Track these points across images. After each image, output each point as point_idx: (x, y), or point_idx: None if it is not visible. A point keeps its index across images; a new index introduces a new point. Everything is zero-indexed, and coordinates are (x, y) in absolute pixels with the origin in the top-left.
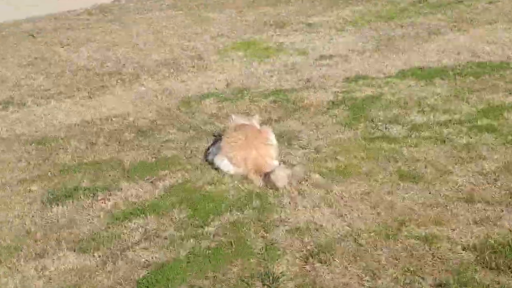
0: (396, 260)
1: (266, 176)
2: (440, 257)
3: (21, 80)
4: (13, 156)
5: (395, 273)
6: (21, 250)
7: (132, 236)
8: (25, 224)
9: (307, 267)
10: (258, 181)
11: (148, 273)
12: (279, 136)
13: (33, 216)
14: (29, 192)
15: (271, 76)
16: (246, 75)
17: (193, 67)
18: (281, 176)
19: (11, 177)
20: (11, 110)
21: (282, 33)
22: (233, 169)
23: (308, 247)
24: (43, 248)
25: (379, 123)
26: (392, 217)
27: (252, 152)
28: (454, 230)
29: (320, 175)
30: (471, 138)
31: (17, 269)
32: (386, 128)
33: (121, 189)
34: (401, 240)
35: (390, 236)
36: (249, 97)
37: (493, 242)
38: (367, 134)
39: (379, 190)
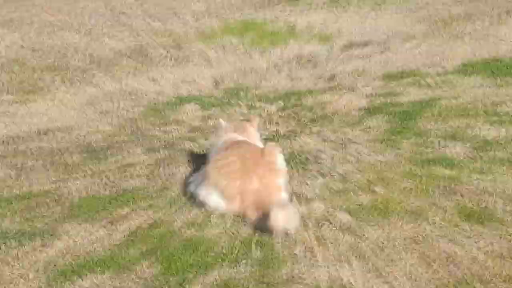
0: None
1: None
2: None
3: None
4: None
5: None
6: None
7: None
8: None
9: None
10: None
11: None
12: (290, 158)
13: None
14: None
15: (279, 72)
16: (243, 71)
17: (168, 58)
18: (281, 217)
19: None
20: None
21: (295, 9)
22: (224, 205)
23: None
24: None
25: (433, 139)
26: (451, 273)
27: (253, 182)
28: None
29: (349, 214)
30: None
31: None
32: (442, 147)
33: (67, 232)
34: None
35: None
36: (247, 102)
37: None
38: (416, 156)
39: (433, 236)
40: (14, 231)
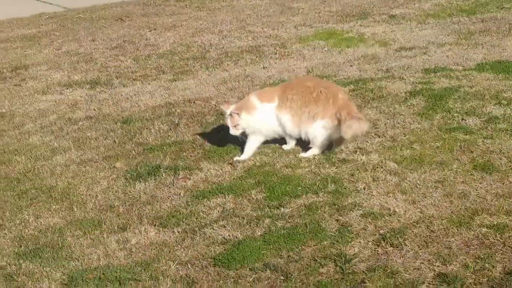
0: (467, 247)
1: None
2: (511, 246)
3: (109, 61)
4: (99, 134)
5: (465, 259)
6: (104, 224)
7: (210, 214)
8: (109, 199)
9: (379, 250)
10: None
11: (224, 250)
12: None
13: (116, 192)
14: (114, 168)
15: (351, 66)
16: (327, 64)
17: (275, 54)
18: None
19: (97, 153)
20: (98, 90)
21: (364, 24)
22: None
23: (381, 231)
24: (125, 222)
25: (456, 114)
26: (464, 206)
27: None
28: None
29: (395, 162)
30: None
31: (100, 241)
32: (462, 120)
33: (202, 169)
34: (473, 229)
35: (462, 224)
36: None
37: None
38: (443, 125)
39: (453, 179)
40: (166, 166)
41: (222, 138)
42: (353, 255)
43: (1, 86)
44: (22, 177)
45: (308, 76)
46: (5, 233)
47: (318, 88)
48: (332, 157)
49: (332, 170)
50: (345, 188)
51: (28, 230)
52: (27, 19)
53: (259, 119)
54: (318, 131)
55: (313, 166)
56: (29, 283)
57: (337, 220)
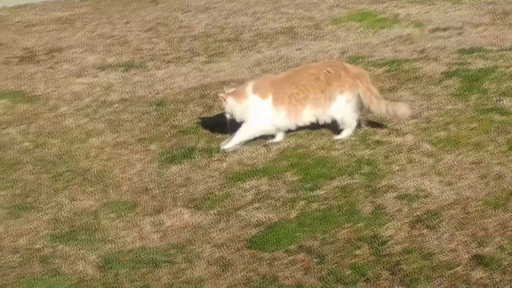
0: (503, 229)
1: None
2: None
3: (142, 44)
4: (134, 116)
5: (501, 241)
6: (139, 206)
7: (245, 196)
8: (144, 181)
9: (415, 232)
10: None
11: (259, 231)
12: None
13: (151, 174)
14: (148, 151)
15: (386, 47)
16: (361, 45)
17: (309, 35)
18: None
19: (132, 135)
20: (132, 72)
21: (398, 4)
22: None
23: (416, 213)
24: (159, 204)
25: (492, 95)
26: (500, 187)
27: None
28: None
29: (431, 144)
30: None
31: (135, 224)
32: (498, 100)
33: (236, 151)
34: (509, 210)
35: (498, 206)
36: (363, 66)
37: None
38: (479, 106)
39: (489, 161)
40: (201, 148)
41: None
42: (388, 237)
43: (36, 69)
44: (57, 160)
45: (308, 64)
46: (40, 215)
47: (323, 70)
48: (367, 139)
49: (367, 152)
50: (380, 170)
51: (63, 213)
52: (61, 2)
53: (247, 109)
54: (342, 107)
55: (347, 148)
56: (65, 266)
57: (372, 202)
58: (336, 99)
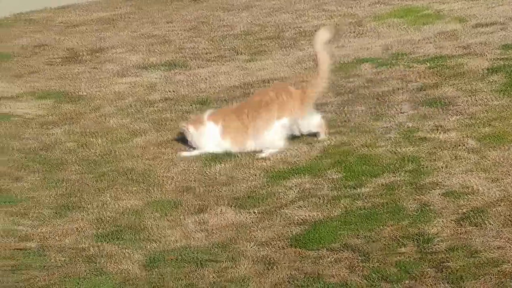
0: None
1: None
2: None
3: (184, 43)
4: (177, 115)
5: None
6: (183, 205)
7: (288, 195)
8: (187, 180)
9: (460, 230)
10: None
11: (302, 230)
12: (434, 101)
13: (194, 173)
14: (192, 150)
15: (428, 43)
16: (403, 41)
17: (352, 32)
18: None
19: (175, 134)
20: (174, 71)
21: (441, 0)
22: None
23: (462, 210)
24: (203, 203)
25: None
26: None
27: None
28: None
29: (475, 140)
30: None
31: (179, 223)
32: None
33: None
34: None
35: None
36: (406, 62)
37: None
38: None
39: None
40: None
41: None
42: (433, 234)
43: (79, 69)
44: (101, 160)
45: (262, 90)
46: (85, 215)
47: (265, 96)
48: (411, 136)
49: (410, 149)
50: (424, 167)
51: (108, 212)
52: (104, 2)
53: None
54: (277, 132)
55: (391, 145)
56: (110, 265)
57: (417, 200)
58: (273, 126)
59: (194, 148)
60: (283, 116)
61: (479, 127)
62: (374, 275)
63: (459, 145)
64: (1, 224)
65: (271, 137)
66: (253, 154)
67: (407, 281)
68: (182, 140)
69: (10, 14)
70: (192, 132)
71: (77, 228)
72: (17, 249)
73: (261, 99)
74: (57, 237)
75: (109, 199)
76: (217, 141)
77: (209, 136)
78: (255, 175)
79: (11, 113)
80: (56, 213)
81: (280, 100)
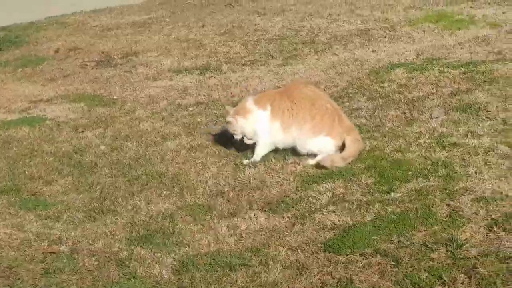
0: None
1: None
2: None
3: (218, 47)
4: (209, 119)
5: None
6: (215, 209)
7: (320, 199)
8: (219, 185)
9: (491, 235)
10: None
11: (334, 235)
12: (467, 107)
13: (226, 177)
14: (223, 154)
15: (462, 48)
16: (437, 47)
17: (385, 37)
18: None
19: (207, 139)
20: (208, 75)
21: (475, 5)
22: None
23: (493, 216)
24: (235, 208)
25: None
26: None
27: None
28: None
29: (508, 146)
30: None
31: (211, 227)
32: None
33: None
34: None
35: None
36: (439, 68)
37: None
38: None
39: None
40: (279, 151)
41: None
42: (464, 240)
43: (113, 72)
44: (133, 163)
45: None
46: (117, 218)
47: (321, 102)
48: (443, 141)
49: (443, 154)
50: (456, 173)
51: (140, 216)
52: (138, 5)
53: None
54: (322, 145)
55: (423, 151)
56: (141, 269)
57: (448, 205)
58: (320, 136)
59: (240, 142)
60: (329, 136)
61: (511, 133)
62: (405, 280)
63: (491, 151)
64: (34, 227)
65: (317, 146)
66: (285, 159)
67: (438, 287)
68: (215, 142)
69: (44, 17)
70: (241, 122)
71: (109, 232)
72: (49, 252)
73: (313, 103)
74: (89, 241)
75: (141, 203)
76: (267, 126)
77: (260, 122)
78: (287, 180)
79: (44, 116)
80: (88, 216)
81: (332, 118)
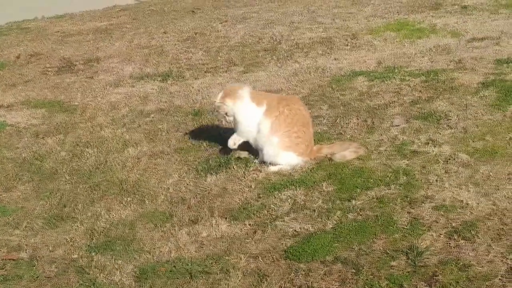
0: None
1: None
2: None
3: (180, 54)
4: (170, 126)
5: None
6: (176, 216)
7: (281, 207)
8: (180, 192)
9: (451, 243)
10: None
11: (295, 242)
12: (428, 115)
13: (188, 184)
14: (185, 161)
15: (423, 57)
16: (398, 55)
17: (347, 45)
18: None
19: (169, 146)
20: (170, 82)
21: (436, 14)
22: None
23: (453, 224)
24: (196, 215)
25: None
26: None
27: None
28: None
29: (467, 154)
30: None
31: (172, 234)
32: None
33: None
34: None
35: None
36: (400, 76)
37: None
38: None
39: None
40: (240, 158)
41: None
42: (424, 248)
43: (74, 79)
44: (94, 170)
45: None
46: (77, 226)
47: (310, 129)
48: (404, 149)
49: (403, 162)
50: (417, 180)
51: (100, 223)
52: (100, 12)
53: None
54: (289, 160)
55: (384, 158)
56: (101, 276)
57: (409, 213)
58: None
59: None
60: (296, 152)
61: (471, 141)
62: None
63: (451, 159)
64: None
65: (278, 157)
66: (246, 165)
67: None
68: (176, 149)
69: (4, 22)
70: (229, 105)
71: (69, 239)
72: (8, 259)
73: (304, 124)
74: (48, 248)
75: (101, 210)
76: (258, 121)
77: (251, 112)
78: (249, 187)
79: (4, 122)
80: (48, 223)
81: (305, 138)
